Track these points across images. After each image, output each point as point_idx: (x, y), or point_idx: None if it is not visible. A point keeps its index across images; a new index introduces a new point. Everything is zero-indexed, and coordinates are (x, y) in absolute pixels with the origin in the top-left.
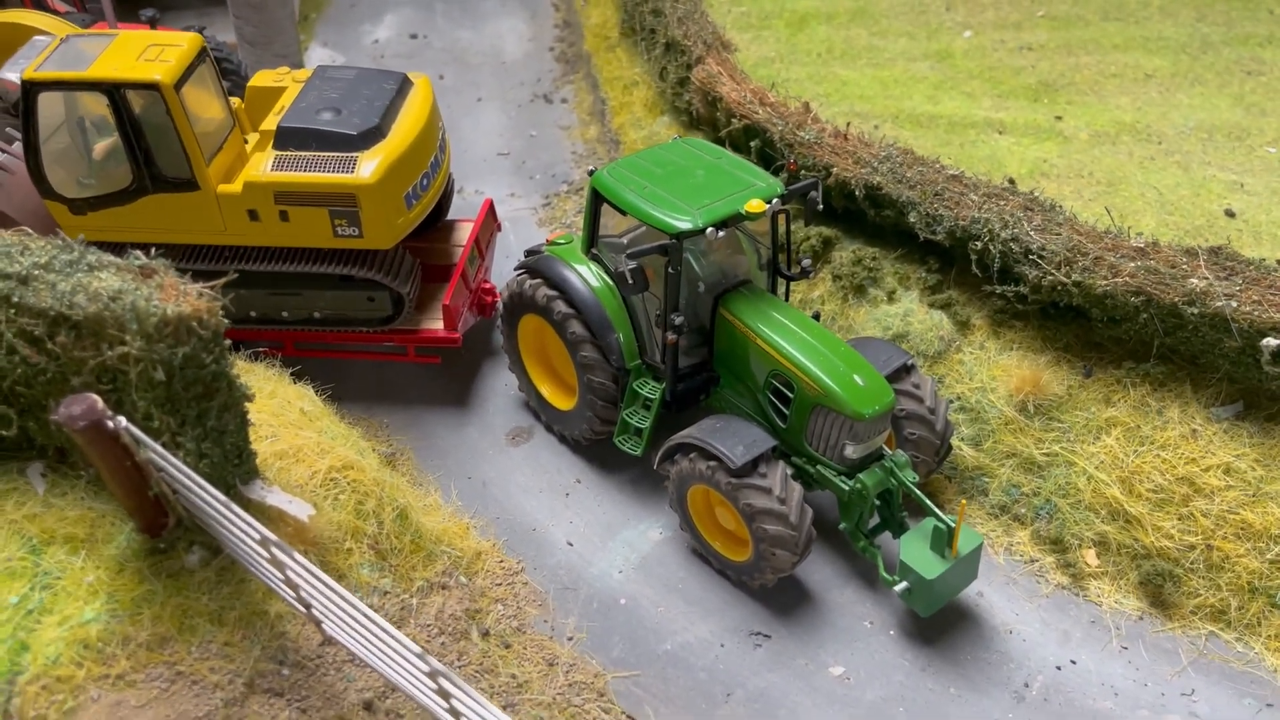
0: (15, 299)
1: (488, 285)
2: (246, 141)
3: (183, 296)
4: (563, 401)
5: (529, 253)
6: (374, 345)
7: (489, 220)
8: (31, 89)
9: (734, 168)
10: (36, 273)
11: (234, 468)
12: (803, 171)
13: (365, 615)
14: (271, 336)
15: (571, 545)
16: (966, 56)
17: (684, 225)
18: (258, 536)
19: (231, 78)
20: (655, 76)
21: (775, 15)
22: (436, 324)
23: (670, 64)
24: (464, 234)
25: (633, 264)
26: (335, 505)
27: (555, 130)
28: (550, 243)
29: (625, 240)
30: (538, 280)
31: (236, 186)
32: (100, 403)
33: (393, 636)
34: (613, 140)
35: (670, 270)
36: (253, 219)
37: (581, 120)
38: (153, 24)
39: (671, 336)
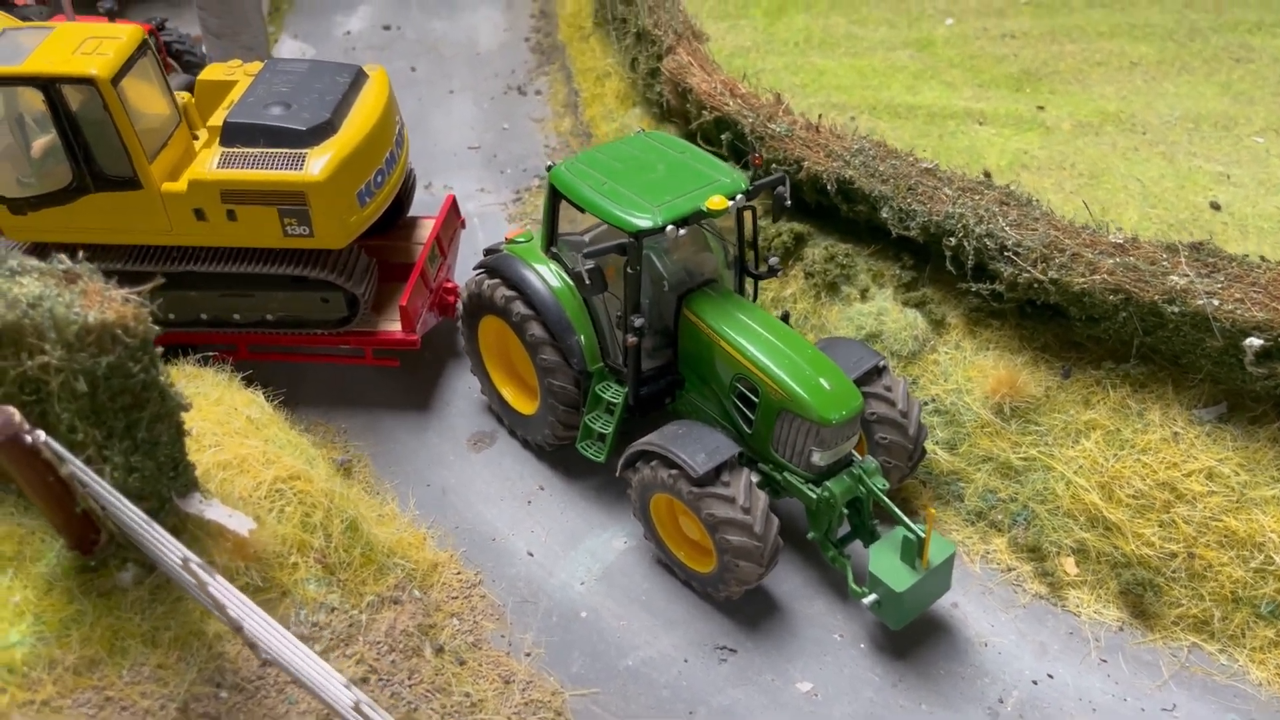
0: None
1: (450, 285)
2: (196, 138)
3: (107, 302)
4: (525, 405)
5: (488, 251)
6: (331, 348)
7: (451, 217)
8: None
9: (697, 162)
10: None
11: (169, 480)
12: (772, 165)
13: (285, 638)
14: (224, 340)
15: (532, 555)
16: (948, 45)
17: (643, 223)
18: (179, 557)
19: (194, 72)
20: (627, 67)
21: (753, 3)
22: (394, 325)
23: (641, 54)
24: (425, 231)
25: (590, 264)
26: (280, 518)
27: (528, 123)
28: (509, 241)
29: (587, 239)
30: (496, 280)
31: (181, 185)
32: (17, 416)
33: (314, 662)
34: (585, 133)
35: (630, 270)
36: (199, 218)
37: (555, 112)
38: (111, 17)
39: (632, 339)
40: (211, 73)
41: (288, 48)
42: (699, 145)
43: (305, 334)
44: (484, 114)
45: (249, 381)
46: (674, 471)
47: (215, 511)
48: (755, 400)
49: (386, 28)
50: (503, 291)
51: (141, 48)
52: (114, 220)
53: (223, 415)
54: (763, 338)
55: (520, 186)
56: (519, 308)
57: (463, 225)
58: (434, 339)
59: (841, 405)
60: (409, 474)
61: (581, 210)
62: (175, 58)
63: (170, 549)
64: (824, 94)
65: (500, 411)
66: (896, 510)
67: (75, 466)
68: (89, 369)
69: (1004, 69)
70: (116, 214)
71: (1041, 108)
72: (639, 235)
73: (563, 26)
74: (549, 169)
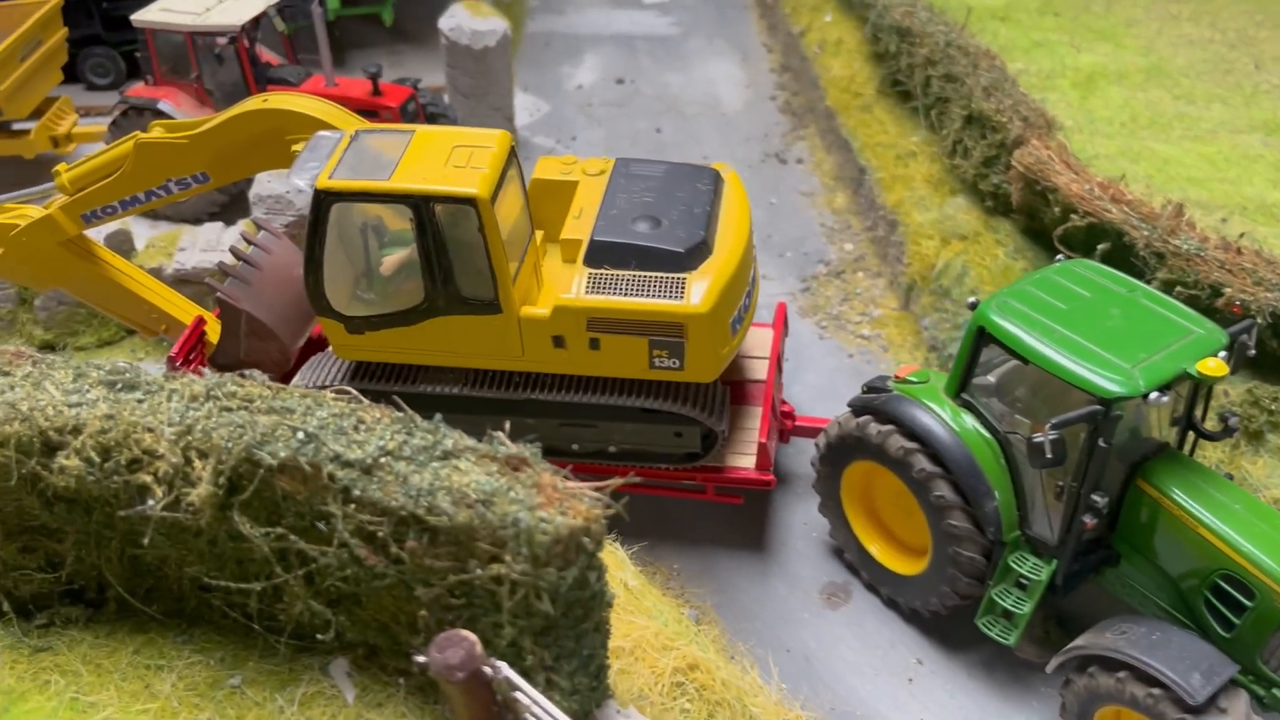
0: (357, 492)
1: (787, 407)
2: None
3: (566, 502)
4: (901, 564)
5: (869, 389)
6: (670, 482)
7: (783, 328)
8: (325, 200)
9: (1157, 305)
10: (384, 460)
11: (591, 692)
12: (1176, 288)
13: None
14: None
15: None
16: None
17: (1118, 388)
18: None
19: (439, 121)
20: (944, 150)
21: (1058, 74)
22: (742, 459)
23: (973, 140)
24: (755, 342)
25: (1054, 434)
26: None
27: (796, 197)
28: (900, 380)
29: (993, 379)
30: (888, 426)
31: (544, 310)
32: (478, 646)
33: None
34: (887, 220)
35: (1100, 443)
36: (557, 345)
37: (825, 186)
38: (374, 79)
39: (1090, 521)
40: (546, 170)
41: (519, 101)
42: (1077, 256)
43: (648, 467)
44: (747, 186)
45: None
46: (1155, 690)
47: None
48: (1244, 603)
49: (620, 81)
50: (899, 441)
51: (511, 156)
52: (460, 343)
53: None
54: (1257, 527)
55: (805, 274)
56: (922, 463)
57: (786, 333)
58: None
59: None
60: (761, 633)
61: (1025, 361)
62: (430, 120)
63: None
64: (1177, 188)
65: (860, 565)
66: None
67: (529, 697)
68: (553, 585)
69: None
70: (465, 337)
71: None
72: (1111, 402)
73: (830, 91)
74: (972, 306)
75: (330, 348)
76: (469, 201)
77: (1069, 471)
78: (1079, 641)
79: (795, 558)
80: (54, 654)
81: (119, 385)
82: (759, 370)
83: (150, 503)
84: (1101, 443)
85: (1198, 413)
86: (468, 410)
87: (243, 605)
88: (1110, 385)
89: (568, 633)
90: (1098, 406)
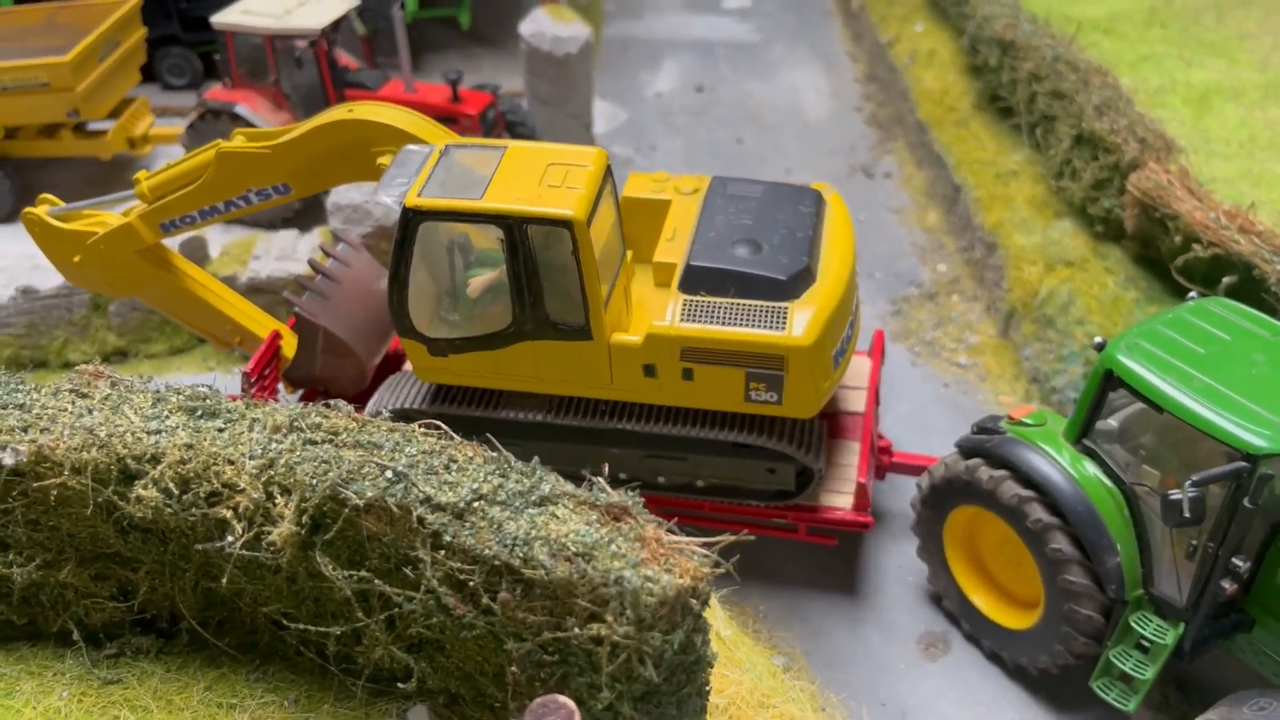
0: (448, 537)
1: (884, 442)
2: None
3: (672, 557)
4: (1007, 617)
5: (980, 429)
6: (761, 519)
7: (881, 357)
8: (414, 218)
9: None
10: (477, 504)
11: None
12: None
13: None
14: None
15: None
16: None
17: (1266, 444)
18: None
19: (518, 129)
20: (1050, 171)
21: (1168, 90)
22: (838, 498)
23: (1083, 161)
24: (852, 371)
25: (1195, 492)
26: None
27: (886, 214)
28: (1013, 421)
29: (1115, 424)
30: (1002, 472)
31: (636, 337)
32: (577, 716)
33: None
34: (985, 242)
35: (1245, 503)
36: (648, 374)
37: (916, 203)
38: (454, 85)
39: (1230, 586)
40: (637, 187)
41: (597, 109)
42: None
43: (737, 504)
44: None
45: None
46: None
47: None
48: None
49: (699, 89)
50: (1013, 488)
51: (606, 176)
52: (547, 369)
53: None
54: None
55: (896, 295)
56: (1038, 513)
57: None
58: None
59: None
60: (854, 684)
61: (1159, 410)
62: (509, 128)
63: None
64: None
65: (962, 615)
66: None
67: None
68: (658, 650)
69: None
70: (552, 363)
71: None
72: (1259, 459)
73: (923, 104)
74: (1099, 346)
75: (409, 367)
76: (564, 224)
77: (1205, 531)
78: (1210, 716)
79: (890, 603)
80: (124, 687)
81: (199, 412)
82: (856, 401)
83: (229, 539)
84: (1246, 503)
85: None
86: (551, 438)
87: (319, 645)
88: (1258, 440)
89: (669, 699)
90: (1244, 463)
